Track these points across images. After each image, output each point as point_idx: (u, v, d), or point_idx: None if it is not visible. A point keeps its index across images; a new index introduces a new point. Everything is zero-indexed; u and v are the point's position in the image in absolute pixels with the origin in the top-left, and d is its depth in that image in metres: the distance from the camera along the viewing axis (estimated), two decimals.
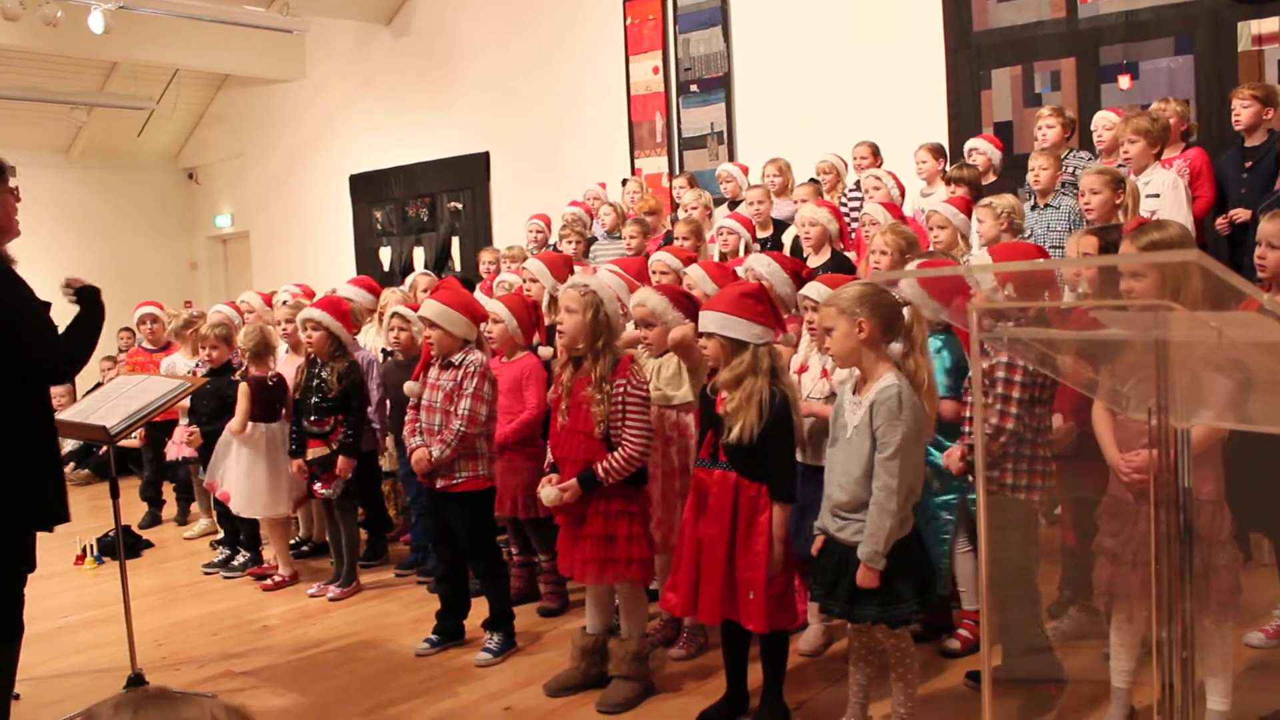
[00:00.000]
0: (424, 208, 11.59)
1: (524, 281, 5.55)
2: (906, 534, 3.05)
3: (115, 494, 4.15)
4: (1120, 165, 5.18)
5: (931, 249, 4.83)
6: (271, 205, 13.37)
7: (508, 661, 4.24)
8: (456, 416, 4.15)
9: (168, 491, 7.38)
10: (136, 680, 4.03)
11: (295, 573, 5.60)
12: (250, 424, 5.41)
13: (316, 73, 12.54)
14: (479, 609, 4.41)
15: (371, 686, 4.09)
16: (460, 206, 11.21)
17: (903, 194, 6.38)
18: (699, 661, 4.09)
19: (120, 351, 8.47)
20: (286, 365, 5.66)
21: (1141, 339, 2.15)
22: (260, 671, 4.32)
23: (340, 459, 5.10)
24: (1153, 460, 2.23)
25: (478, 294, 5.67)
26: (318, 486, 5.18)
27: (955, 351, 3.76)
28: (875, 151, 6.99)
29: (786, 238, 6.33)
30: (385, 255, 12.02)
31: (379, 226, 12.08)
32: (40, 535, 3.39)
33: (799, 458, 3.62)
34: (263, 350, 5.53)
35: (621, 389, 3.64)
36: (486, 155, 10.91)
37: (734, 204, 7.25)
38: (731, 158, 8.87)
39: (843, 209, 6.45)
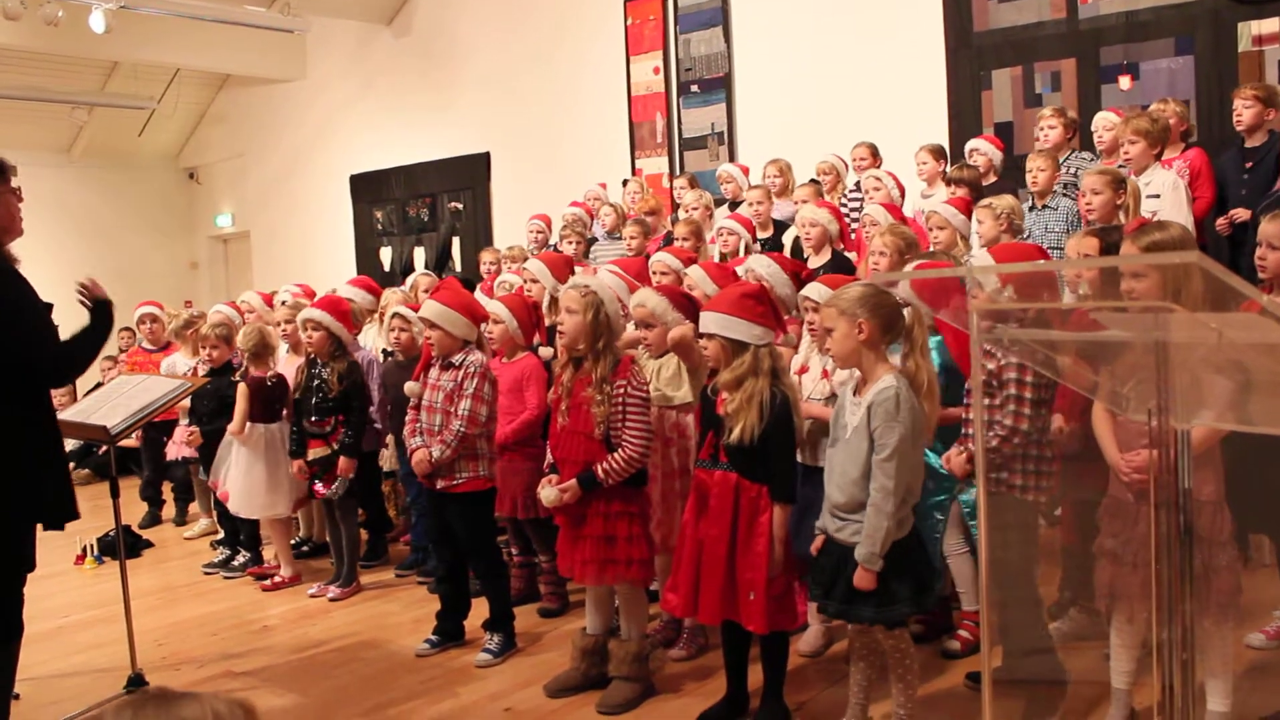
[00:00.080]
0: (424, 208, 11.59)
1: (524, 282, 5.55)
2: (905, 535, 3.05)
3: (115, 494, 4.15)
4: (1120, 166, 5.18)
5: (931, 250, 4.83)
6: (272, 205, 13.37)
7: (508, 662, 4.24)
8: (457, 417, 4.15)
9: (167, 491, 7.39)
10: (136, 680, 4.03)
11: (298, 573, 5.60)
12: (249, 424, 5.41)
13: (317, 73, 12.54)
14: (479, 609, 4.41)
15: (372, 687, 4.09)
16: (461, 207, 11.21)
17: (903, 194, 6.39)
18: (699, 662, 4.09)
19: (120, 351, 8.47)
20: (287, 365, 5.66)
21: (1142, 340, 2.15)
22: (260, 672, 4.32)
23: (341, 459, 5.10)
24: (1153, 461, 2.23)
25: (478, 294, 5.68)
26: (318, 487, 5.18)
27: (943, 354, 3.75)
28: (874, 152, 6.99)
29: (787, 238, 6.33)
30: (386, 255, 12.02)
31: (380, 226, 12.08)
32: (41, 535, 3.39)
33: (799, 458, 3.62)
34: (262, 351, 5.53)
35: (622, 390, 3.64)
36: (487, 155, 10.91)
37: (734, 204, 7.25)
38: (732, 158, 8.87)
39: (843, 209, 6.44)
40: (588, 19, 9.83)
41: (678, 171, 9.11)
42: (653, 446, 3.81)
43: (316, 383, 5.16)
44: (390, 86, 11.67)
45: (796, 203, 6.57)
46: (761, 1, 8.77)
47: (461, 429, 4.13)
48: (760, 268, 4.18)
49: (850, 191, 6.98)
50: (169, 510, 7.37)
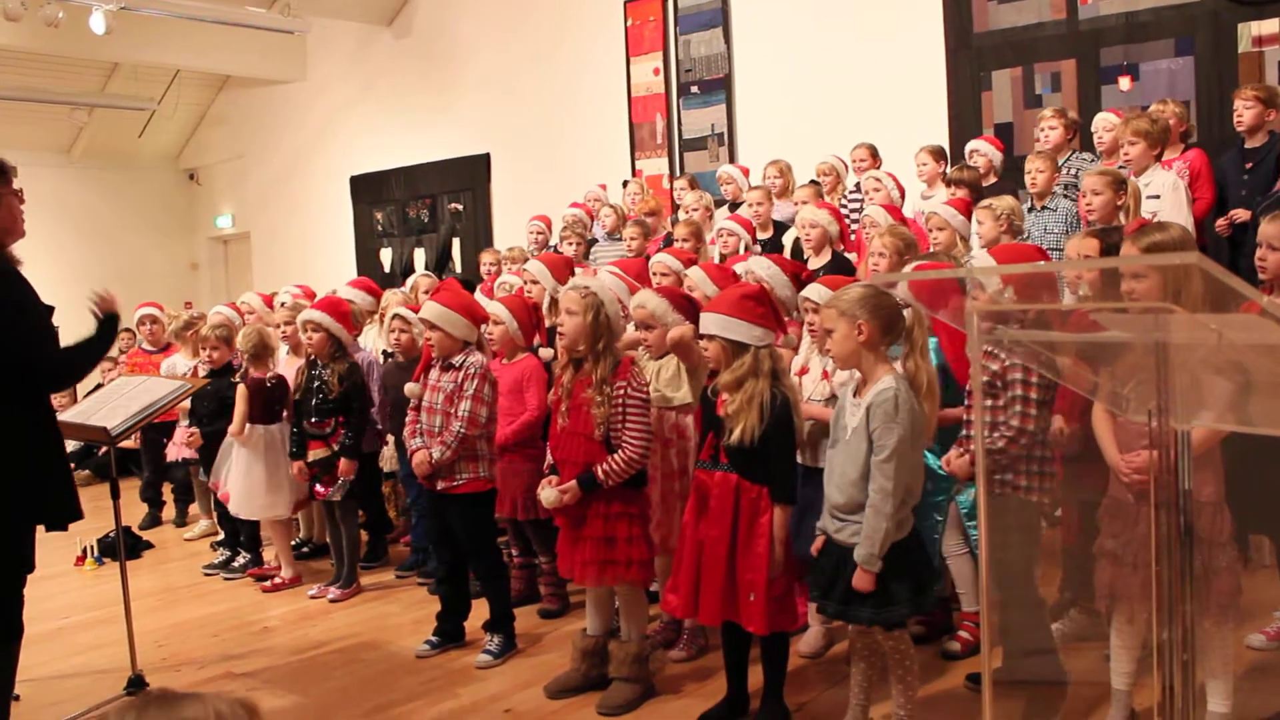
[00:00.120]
0: (425, 209, 11.60)
1: (525, 283, 5.55)
2: (904, 536, 3.05)
3: (115, 495, 4.16)
4: (1120, 167, 5.18)
5: (931, 251, 4.83)
6: (272, 206, 13.38)
7: (508, 663, 4.24)
8: (457, 418, 4.15)
9: (168, 493, 7.39)
10: (137, 681, 4.03)
11: (298, 574, 5.60)
12: (249, 426, 5.41)
13: (318, 74, 12.55)
14: (479, 610, 4.41)
15: (372, 688, 4.09)
16: (461, 208, 11.22)
17: (903, 196, 6.39)
18: (699, 663, 4.09)
19: (120, 353, 8.47)
20: (288, 367, 5.66)
21: (1142, 341, 2.15)
22: (260, 673, 4.32)
23: (342, 461, 5.10)
24: (1153, 462, 2.23)
25: (478, 295, 5.68)
26: (318, 488, 5.18)
27: (939, 356, 3.75)
28: (874, 153, 6.99)
29: (787, 239, 6.33)
30: (386, 256, 12.03)
31: (380, 228, 12.08)
32: (41, 536, 3.40)
33: (799, 460, 3.62)
34: (261, 352, 5.53)
35: (622, 391, 3.64)
36: (487, 156, 10.91)
37: (734, 205, 7.25)
38: (732, 159, 8.87)
39: (843, 211, 6.45)
40: (588, 20, 9.84)
41: (678, 172, 9.11)
42: (652, 448, 3.81)
43: (316, 384, 5.16)
44: (390, 88, 11.67)
45: (797, 204, 6.57)
46: (761, 2, 8.77)
47: (462, 430, 4.13)
48: (760, 269, 4.19)
49: (850, 193, 6.98)
50: (169, 511, 7.37)
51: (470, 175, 11.06)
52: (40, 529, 3.40)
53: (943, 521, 3.87)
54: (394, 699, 3.95)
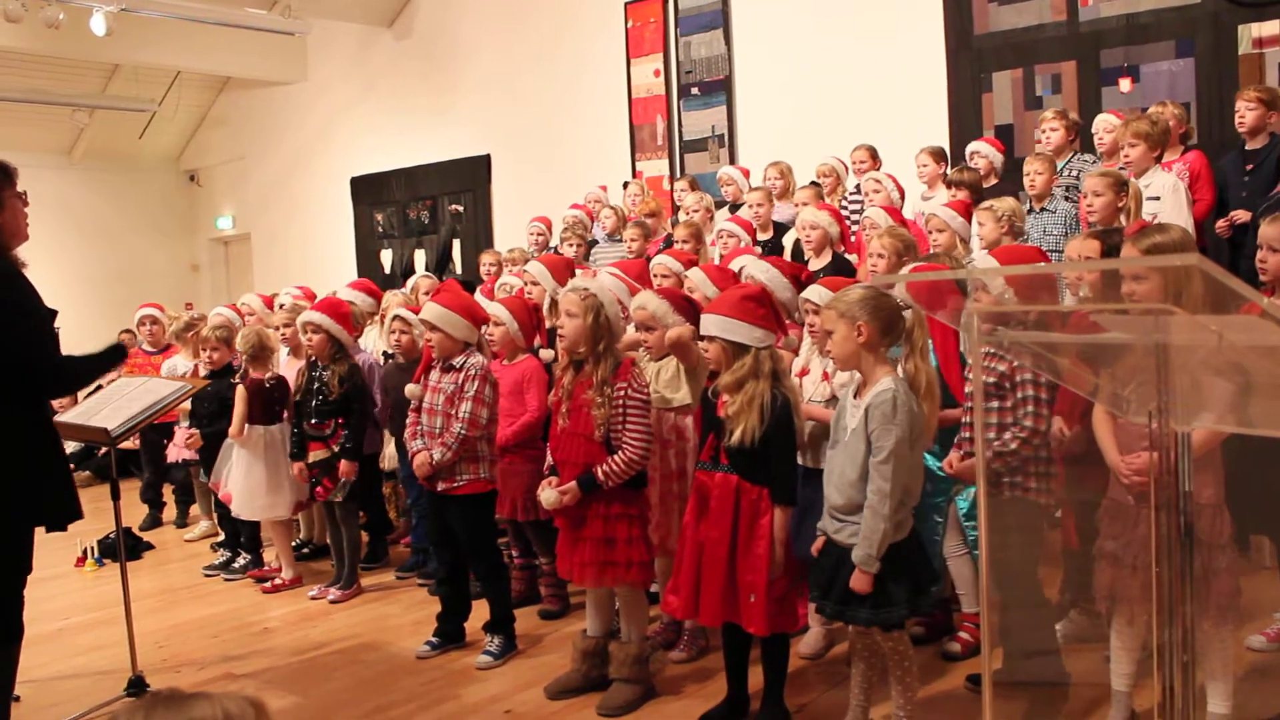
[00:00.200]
0: (425, 210, 11.60)
1: (525, 284, 5.55)
2: (903, 537, 3.05)
3: (116, 496, 4.16)
4: (1120, 168, 5.19)
5: (931, 252, 4.83)
6: (273, 207, 13.38)
7: (508, 664, 4.24)
8: (457, 419, 4.15)
9: (168, 494, 7.39)
10: (137, 682, 4.03)
11: (298, 575, 5.60)
12: (248, 426, 5.42)
13: (318, 75, 12.55)
14: (480, 611, 4.41)
15: (372, 689, 4.09)
16: (461, 209, 11.23)
17: (903, 197, 6.39)
18: (700, 664, 4.09)
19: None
20: (289, 368, 5.67)
21: (1142, 342, 2.15)
22: (261, 674, 4.32)
23: (342, 462, 5.10)
24: (1153, 464, 2.23)
25: (478, 297, 5.67)
26: (319, 489, 5.18)
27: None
28: (874, 155, 7.00)
29: (787, 240, 6.34)
30: (386, 258, 12.03)
31: (380, 229, 12.09)
32: (41, 537, 3.40)
33: (800, 461, 3.62)
34: (260, 353, 5.53)
35: (622, 392, 3.64)
36: (488, 158, 10.92)
37: (735, 207, 7.26)
38: (732, 160, 8.87)
39: (843, 212, 6.45)
40: (588, 21, 9.84)
41: (678, 174, 9.12)
42: (652, 449, 3.81)
43: (316, 385, 5.16)
44: (391, 89, 11.68)
45: (797, 205, 6.57)
46: (762, 4, 8.78)
47: (462, 431, 4.13)
48: (759, 273, 4.17)
49: (850, 194, 6.98)
50: (170, 512, 7.37)
51: (471, 176, 11.07)
52: (40, 530, 3.41)
53: (943, 523, 3.88)
54: (394, 700, 3.95)
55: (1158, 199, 4.97)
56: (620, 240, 7.05)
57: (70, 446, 8.96)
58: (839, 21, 8.26)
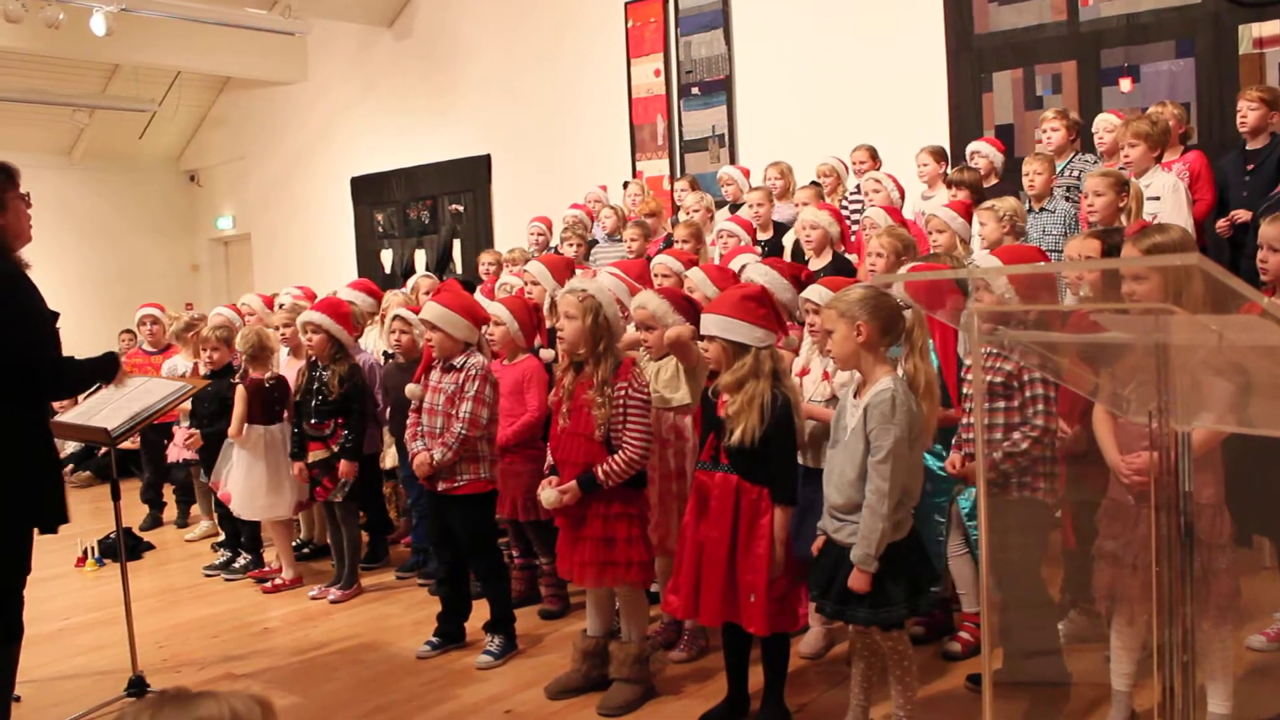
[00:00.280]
0: (425, 210, 11.60)
1: (525, 284, 5.55)
2: (902, 537, 3.05)
3: (116, 496, 4.16)
4: (1120, 169, 5.19)
5: (931, 252, 4.82)
6: (273, 207, 13.38)
7: (509, 664, 4.24)
8: (458, 419, 4.15)
9: (168, 494, 7.39)
10: (137, 683, 4.03)
11: (299, 575, 5.60)
12: (248, 426, 5.41)
13: (318, 75, 12.55)
14: (480, 611, 4.41)
15: (372, 689, 4.09)
16: (461, 209, 11.23)
17: (902, 196, 6.39)
18: (700, 664, 4.09)
19: (121, 354, 8.48)
20: (289, 368, 5.67)
21: (1142, 342, 2.15)
22: (261, 674, 4.32)
23: (342, 462, 5.10)
24: (1153, 463, 2.23)
25: (478, 296, 5.67)
26: (319, 489, 5.18)
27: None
28: (874, 155, 7.00)
29: (787, 240, 6.33)
30: (387, 258, 12.03)
31: (380, 229, 12.09)
32: (41, 537, 3.40)
33: (800, 461, 3.62)
34: (260, 353, 5.53)
35: (623, 392, 3.64)
36: (488, 158, 10.92)
37: (735, 207, 7.26)
38: (733, 160, 8.87)
39: (843, 212, 6.45)
40: (588, 21, 9.84)
41: (678, 174, 9.12)
42: (652, 448, 3.81)
43: (316, 385, 5.16)
44: (391, 89, 11.68)
45: (797, 205, 6.57)
46: (762, 4, 8.78)
47: (463, 431, 4.13)
48: (759, 277, 4.16)
49: (851, 194, 6.98)
50: (170, 512, 7.37)
51: (471, 176, 11.07)
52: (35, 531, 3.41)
53: (945, 523, 3.87)
54: (394, 700, 3.95)
55: (1157, 199, 4.97)
56: (620, 240, 7.05)
57: (70, 446, 9.04)
58: (839, 21, 8.25)
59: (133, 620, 4.09)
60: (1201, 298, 1.92)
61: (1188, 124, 5.93)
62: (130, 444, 6.45)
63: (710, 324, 3.39)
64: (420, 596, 5.24)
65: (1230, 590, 2.94)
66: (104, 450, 6.13)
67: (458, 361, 4.21)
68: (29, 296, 3.26)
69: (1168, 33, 6.88)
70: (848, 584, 3.03)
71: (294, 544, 5.92)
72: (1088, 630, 3.78)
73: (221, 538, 6.25)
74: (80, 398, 5.34)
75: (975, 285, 2.43)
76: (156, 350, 7.32)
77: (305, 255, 12.72)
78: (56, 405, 3.64)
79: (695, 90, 9.26)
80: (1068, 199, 5.61)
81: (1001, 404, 3.39)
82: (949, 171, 6.37)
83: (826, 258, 5.49)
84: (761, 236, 6.42)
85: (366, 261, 12.15)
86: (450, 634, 4.44)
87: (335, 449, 5.13)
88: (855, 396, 3.13)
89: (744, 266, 4.51)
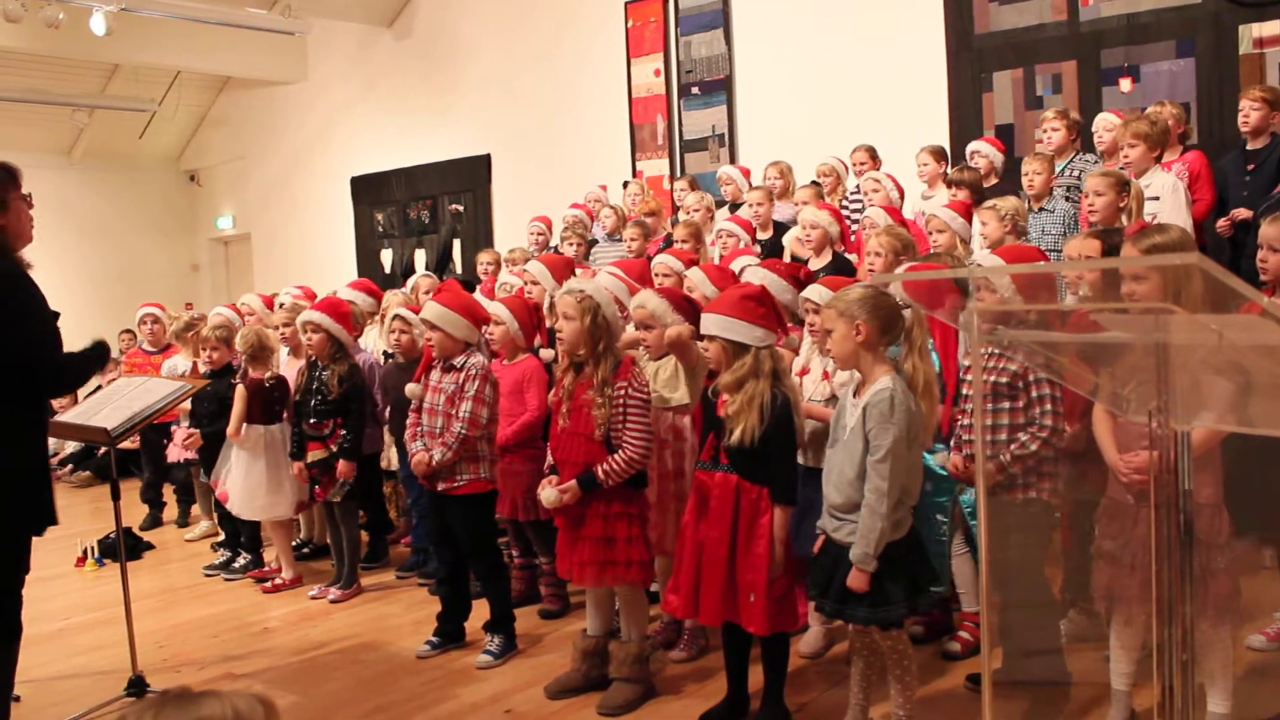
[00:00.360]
0: (425, 210, 11.60)
1: (525, 284, 5.55)
2: (902, 536, 3.05)
3: (116, 496, 4.15)
4: (1120, 169, 5.19)
5: (931, 252, 4.83)
6: (273, 207, 13.39)
7: (508, 663, 4.24)
8: (458, 419, 4.15)
9: (168, 493, 7.39)
10: (137, 682, 4.03)
11: (298, 575, 5.60)
12: (247, 426, 5.41)
13: (318, 75, 12.56)
14: (480, 611, 4.42)
15: (372, 688, 4.09)
16: (461, 209, 11.23)
17: (902, 197, 6.39)
18: (700, 664, 4.09)
19: (121, 353, 8.48)
20: (289, 368, 5.67)
21: (1142, 342, 2.15)
22: (261, 673, 4.32)
23: (341, 462, 5.10)
24: (1153, 463, 2.23)
25: (478, 296, 5.67)
26: (318, 488, 5.18)
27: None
28: (873, 155, 7.00)
29: (787, 240, 6.33)
30: (387, 257, 12.04)
31: (380, 229, 12.09)
32: (41, 538, 3.40)
33: (800, 460, 3.62)
34: (259, 353, 5.53)
35: (623, 391, 3.64)
36: (488, 157, 10.92)
37: (735, 206, 7.26)
38: (733, 160, 8.87)
39: (843, 212, 6.45)
40: (588, 21, 9.84)
41: (678, 173, 9.12)
42: (652, 448, 3.81)
43: (316, 385, 5.16)
44: (391, 88, 11.68)
45: (797, 205, 6.57)
46: (762, 3, 8.77)
47: (463, 431, 4.13)
48: (758, 280, 4.16)
49: (851, 194, 6.98)
50: (170, 512, 7.37)
51: (471, 176, 11.07)
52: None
53: (947, 523, 3.87)
54: (394, 699, 3.95)
55: (1157, 199, 4.97)
56: (620, 240, 7.05)
57: (70, 446, 9.04)
58: (839, 21, 8.25)
59: (132, 620, 4.09)
60: (1201, 297, 1.92)
61: (1187, 124, 5.92)
62: (130, 444, 6.46)
63: (710, 324, 3.39)
64: (420, 596, 5.24)
65: (1229, 590, 2.94)
66: (104, 450, 6.14)
67: (458, 361, 4.21)
68: (30, 296, 3.26)
69: (1168, 33, 6.88)
70: (847, 583, 3.03)
71: (294, 544, 5.92)
72: (1087, 630, 3.78)
73: (221, 537, 6.25)
74: (80, 396, 5.36)
75: (975, 285, 2.43)
76: (156, 350, 7.32)
77: (305, 255, 12.72)
78: (56, 405, 3.64)
79: (695, 90, 9.26)
80: (1068, 199, 5.60)
81: (1006, 404, 3.39)
82: (949, 171, 6.37)
83: (826, 257, 5.49)
84: (761, 236, 6.42)
85: (366, 261, 12.15)
86: (450, 634, 4.44)
87: (334, 449, 5.12)
88: (854, 396, 3.13)
89: (744, 269, 4.51)
